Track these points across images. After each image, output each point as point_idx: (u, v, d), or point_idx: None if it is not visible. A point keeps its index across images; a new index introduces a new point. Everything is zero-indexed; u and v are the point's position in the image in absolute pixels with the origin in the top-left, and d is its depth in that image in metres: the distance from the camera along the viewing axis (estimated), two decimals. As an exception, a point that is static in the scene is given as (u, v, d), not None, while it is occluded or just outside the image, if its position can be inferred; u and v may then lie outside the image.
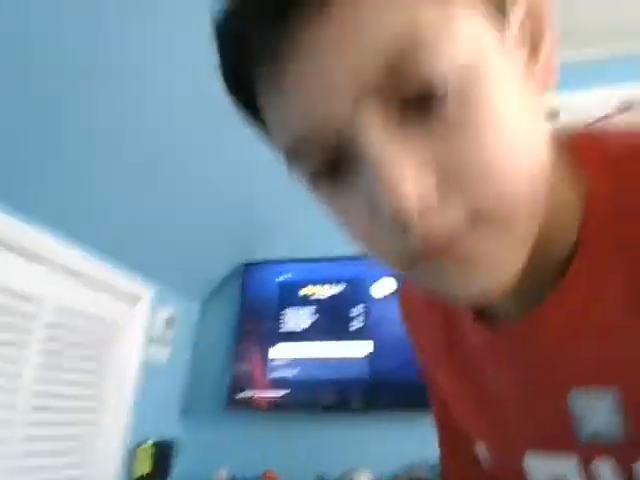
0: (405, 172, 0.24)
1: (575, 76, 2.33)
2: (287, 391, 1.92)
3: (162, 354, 1.96)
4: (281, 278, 2.13)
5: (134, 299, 1.81)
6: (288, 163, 0.29)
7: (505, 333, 0.35)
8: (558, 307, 0.31)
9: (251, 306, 2.11)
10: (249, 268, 2.19)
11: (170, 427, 1.98)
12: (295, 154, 0.28)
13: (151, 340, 1.88)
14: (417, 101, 0.24)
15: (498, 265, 0.27)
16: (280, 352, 1.99)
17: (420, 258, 0.27)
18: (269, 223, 2.25)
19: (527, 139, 0.27)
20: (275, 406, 1.93)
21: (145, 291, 1.86)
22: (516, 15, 0.27)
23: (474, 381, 0.41)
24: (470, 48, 0.24)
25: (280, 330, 2.03)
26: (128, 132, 1.38)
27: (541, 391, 0.35)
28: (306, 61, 0.24)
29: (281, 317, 2.05)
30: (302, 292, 2.07)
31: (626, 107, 2.22)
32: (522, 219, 0.27)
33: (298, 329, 2.02)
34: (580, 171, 0.31)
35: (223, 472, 1.82)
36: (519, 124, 0.26)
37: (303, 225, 2.27)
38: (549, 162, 0.29)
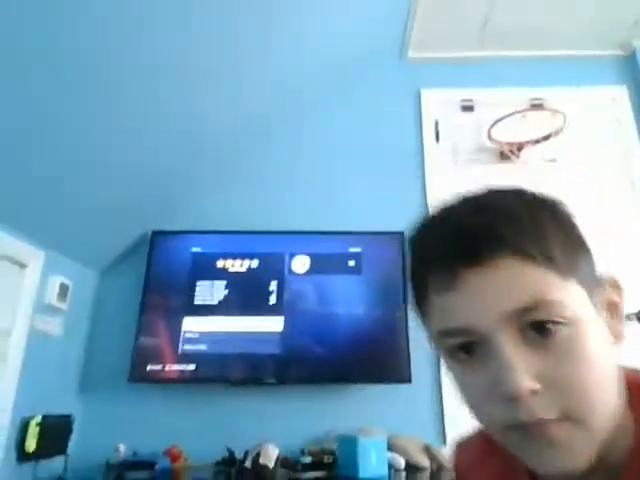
0: (523, 371, 0.38)
1: (491, 74, 2.45)
2: (197, 365, 1.87)
3: (56, 324, 1.82)
4: (195, 249, 2.04)
5: (22, 264, 1.65)
6: (435, 341, 0.44)
7: None
8: None
9: (159, 277, 2.00)
10: (158, 237, 2.07)
11: (67, 401, 1.88)
12: (444, 336, 0.42)
13: (43, 309, 1.73)
14: (537, 330, 0.39)
15: (574, 454, 0.39)
16: (191, 325, 1.92)
17: (517, 428, 0.39)
18: (182, 195, 2.17)
19: (607, 374, 0.40)
20: (183, 380, 1.87)
21: (35, 256, 1.69)
22: (601, 292, 0.44)
23: None
24: (575, 307, 0.40)
25: (192, 302, 1.95)
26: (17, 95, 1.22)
27: None
28: (467, 290, 0.40)
29: (193, 289, 1.97)
30: (216, 265, 2.01)
31: (537, 105, 2.36)
32: (596, 426, 0.39)
33: (210, 302, 1.96)
34: (633, 406, 0.44)
35: (122, 447, 1.75)
36: (604, 363, 0.40)
37: (217, 198, 2.22)
38: (617, 392, 0.41)
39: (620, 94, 2.40)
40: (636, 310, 1.99)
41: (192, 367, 1.87)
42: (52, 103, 1.34)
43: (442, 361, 0.46)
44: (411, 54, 2.50)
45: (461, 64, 2.48)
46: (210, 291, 1.97)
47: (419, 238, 0.46)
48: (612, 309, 0.45)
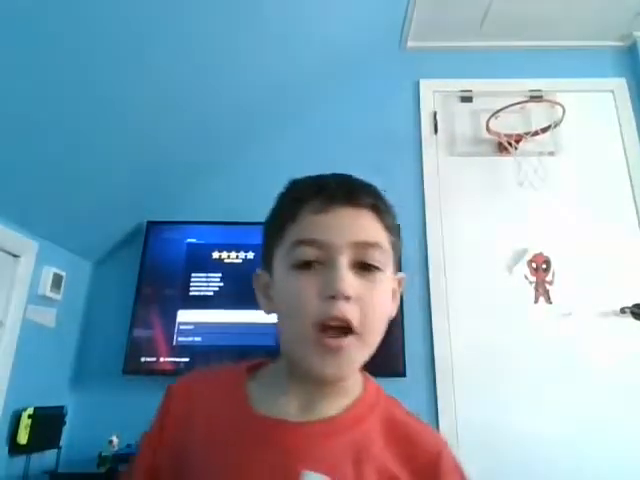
0: (348, 282, 0.50)
1: (490, 64, 2.43)
2: (191, 357, 1.86)
3: (49, 315, 1.80)
4: (190, 240, 2.03)
5: (15, 254, 1.63)
6: (289, 249, 0.54)
7: (285, 427, 0.52)
8: (329, 426, 0.53)
9: (154, 268, 1.99)
10: (153, 227, 2.04)
11: (60, 393, 1.87)
12: (302, 245, 0.53)
13: (37, 300, 1.72)
14: (364, 267, 0.53)
15: (350, 364, 0.52)
16: (185, 317, 1.91)
17: (323, 329, 0.50)
18: (177, 186, 2.14)
19: (383, 326, 0.54)
20: (178, 372, 1.86)
21: (29, 246, 1.67)
22: (395, 278, 0.59)
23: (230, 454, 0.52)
24: (388, 267, 0.56)
25: (187, 294, 1.94)
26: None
27: (286, 468, 0.49)
28: (337, 217, 0.53)
29: (188, 281, 1.96)
30: (211, 256, 1.99)
31: (536, 96, 2.33)
32: (368, 350, 0.53)
33: (205, 294, 1.94)
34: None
35: (115, 440, 1.74)
36: (385, 315, 0.55)
37: (213, 189, 2.20)
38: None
39: (620, 86, 2.37)
40: (630, 304, 1.99)
41: (187, 359, 1.86)
42: (47, 93, 1.32)
43: (275, 273, 0.56)
44: (410, 44, 2.47)
45: (461, 54, 2.45)
46: (205, 282, 1.96)
47: (301, 181, 0.59)
48: (394, 294, 0.59)
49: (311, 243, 0.52)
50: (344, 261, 0.51)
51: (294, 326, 0.53)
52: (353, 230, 0.53)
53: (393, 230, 0.58)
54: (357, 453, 0.50)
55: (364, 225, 0.54)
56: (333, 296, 0.49)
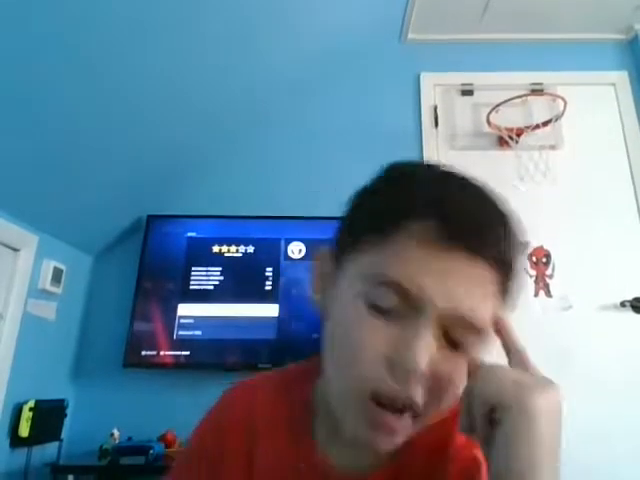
0: (432, 357, 0.39)
1: (491, 57, 2.41)
2: (192, 350, 1.86)
3: (50, 309, 1.81)
4: (190, 234, 2.02)
5: (16, 248, 1.63)
6: (367, 283, 0.41)
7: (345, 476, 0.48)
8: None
9: (154, 262, 1.99)
10: (153, 221, 2.04)
11: (60, 386, 1.88)
12: (380, 286, 0.40)
13: (37, 293, 1.72)
14: (452, 343, 0.40)
15: (397, 442, 0.42)
16: (185, 310, 1.91)
17: (392, 396, 0.39)
18: (178, 179, 2.14)
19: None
20: (178, 365, 1.87)
21: (29, 240, 1.67)
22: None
23: None
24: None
25: (187, 288, 1.94)
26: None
27: None
28: (450, 266, 0.39)
29: (188, 274, 1.96)
30: (211, 250, 1.99)
31: (537, 90, 2.32)
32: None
33: (205, 288, 1.94)
34: None
35: (116, 433, 1.75)
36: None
37: (213, 182, 2.19)
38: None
39: (621, 79, 2.36)
40: (630, 298, 1.99)
41: (187, 352, 1.86)
42: (49, 88, 1.32)
43: (340, 286, 0.44)
44: (411, 36, 2.45)
45: (461, 47, 2.43)
46: (205, 276, 1.96)
47: (420, 180, 0.44)
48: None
49: (399, 291, 0.39)
50: (434, 329, 0.39)
51: (345, 381, 0.42)
52: (461, 297, 0.39)
53: (508, 295, 0.44)
54: None
55: (475, 295, 0.40)
56: (406, 369, 0.38)
